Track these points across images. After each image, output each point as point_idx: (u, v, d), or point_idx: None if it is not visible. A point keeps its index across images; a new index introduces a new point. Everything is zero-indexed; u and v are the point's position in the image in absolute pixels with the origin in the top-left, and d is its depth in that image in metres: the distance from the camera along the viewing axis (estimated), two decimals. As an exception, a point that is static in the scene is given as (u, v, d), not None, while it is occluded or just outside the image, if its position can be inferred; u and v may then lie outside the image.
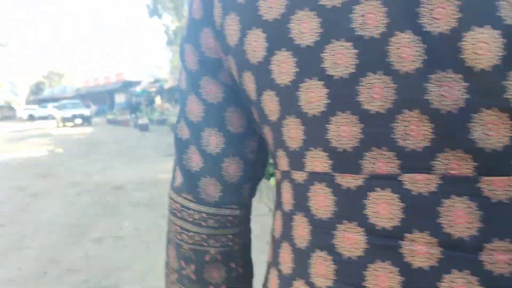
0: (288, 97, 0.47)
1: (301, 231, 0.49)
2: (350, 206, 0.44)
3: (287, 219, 0.51)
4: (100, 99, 44.54)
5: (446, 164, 0.40)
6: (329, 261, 0.46)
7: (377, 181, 0.43)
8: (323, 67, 0.43)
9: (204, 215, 0.58)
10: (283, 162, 0.51)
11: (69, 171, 9.76)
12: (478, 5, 0.37)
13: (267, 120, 0.51)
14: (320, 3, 0.43)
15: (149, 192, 7.08)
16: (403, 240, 0.42)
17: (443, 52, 0.39)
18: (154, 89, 30.38)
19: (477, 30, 0.37)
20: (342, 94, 0.43)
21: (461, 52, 0.38)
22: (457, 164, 0.40)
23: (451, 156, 0.40)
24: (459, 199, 0.40)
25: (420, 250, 0.41)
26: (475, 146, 0.39)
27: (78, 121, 28.74)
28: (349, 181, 0.44)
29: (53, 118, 32.33)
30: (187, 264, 0.60)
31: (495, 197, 0.40)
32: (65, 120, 28.88)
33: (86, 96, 44.69)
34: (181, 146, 0.60)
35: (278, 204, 0.55)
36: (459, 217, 0.40)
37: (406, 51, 0.40)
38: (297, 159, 0.48)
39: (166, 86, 26.70)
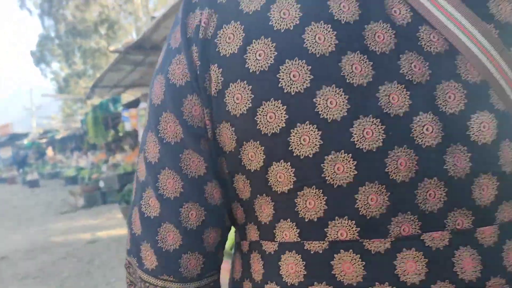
0: (313, 167, 0.49)
1: None
2: (380, 269, 0.49)
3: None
4: (-18, 155, 40.38)
5: (454, 221, 0.49)
6: None
7: (403, 242, 0.49)
8: (353, 140, 0.48)
9: None
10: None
11: None
12: (478, 93, 0.50)
13: (272, 191, 0.52)
14: (348, 81, 0.48)
15: (40, 260, 6.17)
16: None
17: (454, 129, 0.49)
18: (44, 140, 28.20)
19: (479, 113, 0.49)
20: (370, 166, 0.48)
21: (468, 129, 0.49)
22: (461, 220, 0.49)
23: (458, 214, 0.49)
24: (464, 248, 0.49)
25: None
26: (474, 204, 0.50)
27: (-45, 182, 25.46)
28: (377, 245, 0.49)
29: None
30: None
31: (486, 243, 0.50)
32: None
33: (-35, 153, 40.10)
34: (150, 225, 0.57)
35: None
36: (467, 264, 0.49)
37: (428, 128, 0.48)
38: (316, 228, 0.50)
39: (58, 136, 24.91)
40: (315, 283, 0.50)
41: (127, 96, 14.26)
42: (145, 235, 0.58)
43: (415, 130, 0.48)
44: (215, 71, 0.52)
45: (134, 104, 10.32)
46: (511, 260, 0.51)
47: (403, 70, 0.49)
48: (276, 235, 0.53)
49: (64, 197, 13.02)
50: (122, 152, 15.47)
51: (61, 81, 32.41)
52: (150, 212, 0.57)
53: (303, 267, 0.51)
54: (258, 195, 0.53)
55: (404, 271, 0.48)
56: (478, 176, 0.49)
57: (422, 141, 0.48)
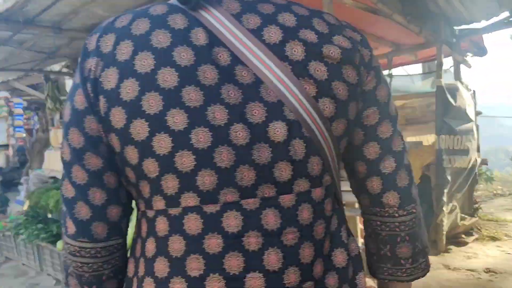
0: (167, 162, 0.71)
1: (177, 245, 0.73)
2: (213, 224, 0.72)
3: (162, 241, 0.74)
4: None
5: (263, 191, 0.73)
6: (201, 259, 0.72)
7: (228, 206, 0.72)
8: (191, 142, 0.71)
9: (98, 249, 0.79)
10: (160, 204, 0.74)
11: None
12: (275, 109, 0.74)
13: (147, 177, 0.74)
14: (186, 104, 0.71)
15: None
16: (243, 237, 0.72)
17: (258, 133, 0.73)
18: None
19: (274, 122, 0.73)
20: (204, 158, 0.71)
21: (268, 132, 0.72)
22: (267, 190, 0.73)
23: (265, 187, 0.73)
24: (269, 209, 0.73)
25: (253, 241, 0.72)
26: (275, 180, 0.74)
27: None
28: (211, 208, 0.72)
29: None
30: (90, 286, 0.82)
31: (286, 205, 0.74)
32: None
33: None
34: (69, 203, 0.79)
35: (152, 233, 0.76)
36: (271, 219, 0.72)
37: (239, 133, 0.72)
38: (173, 200, 0.73)
39: None
40: (173, 234, 0.73)
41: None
42: (67, 210, 0.79)
43: (232, 134, 0.71)
44: (101, 100, 0.74)
45: (-11, 92, 8.85)
46: (304, 216, 0.74)
47: (223, 96, 0.71)
48: (153, 206, 0.76)
49: None
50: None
51: None
52: (68, 195, 0.79)
53: (168, 225, 0.74)
54: (139, 180, 0.76)
55: (227, 225, 0.71)
56: (277, 162, 0.72)
57: (236, 141, 0.71)
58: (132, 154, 0.73)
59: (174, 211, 0.73)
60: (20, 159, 10.34)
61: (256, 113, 0.71)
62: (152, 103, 0.70)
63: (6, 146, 9.72)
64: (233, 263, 0.70)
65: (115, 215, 0.80)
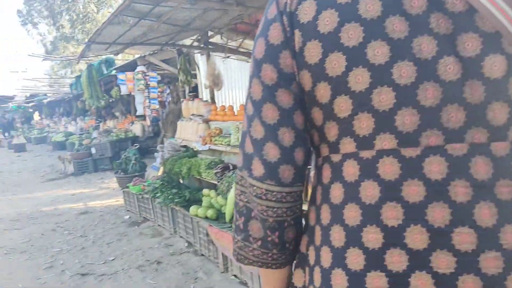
0: (362, 99, 0.69)
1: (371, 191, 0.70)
2: (412, 169, 0.68)
3: (352, 186, 0.72)
4: (-35, 117, 39.05)
5: (472, 136, 0.67)
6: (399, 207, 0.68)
7: (430, 150, 0.67)
8: (392, 78, 0.67)
9: (284, 193, 0.78)
10: (349, 146, 0.72)
11: None
12: (491, 40, 0.66)
13: (336, 117, 0.72)
14: (389, 36, 0.67)
15: (27, 231, 5.62)
16: (449, 186, 0.66)
17: (471, 68, 0.66)
18: (31, 104, 27.22)
19: (491, 55, 0.66)
20: (406, 95, 0.67)
21: (483, 68, 0.66)
22: (478, 135, 0.67)
23: (475, 131, 0.67)
24: (479, 157, 0.66)
25: (461, 191, 0.66)
26: (489, 123, 0.67)
27: None
28: (410, 152, 0.68)
29: None
30: (273, 233, 0.81)
31: (499, 154, 0.67)
32: None
33: None
34: (257, 144, 0.78)
35: (338, 178, 0.75)
36: (481, 168, 0.66)
37: (449, 67, 0.66)
38: (366, 142, 0.70)
39: (45, 100, 23.98)
40: (365, 180, 0.70)
41: (124, 56, 13.49)
42: (255, 152, 0.78)
43: (440, 69, 0.66)
44: (297, 35, 0.72)
45: (130, 66, 9.65)
46: None
47: (431, 26, 0.67)
48: (340, 149, 0.74)
49: (52, 163, 12.39)
50: (114, 118, 14.82)
51: (49, 45, 31.16)
52: (257, 135, 0.78)
53: (358, 169, 0.71)
54: (326, 121, 0.74)
55: (430, 170, 0.66)
56: (491, 103, 0.67)
57: (445, 77, 0.66)
58: (324, 91, 0.71)
59: (366, 154, 0.70)
60: (154, 129, 11.25)
61: (470, 45, 0.66)
62: (352, 34, 0.67)
63: (143, 117, 10.61)
64: (437, 214, 0.65)
65: (301, 159, 0.78)
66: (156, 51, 7.82)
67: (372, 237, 0.68)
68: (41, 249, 4.84)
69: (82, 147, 10.92)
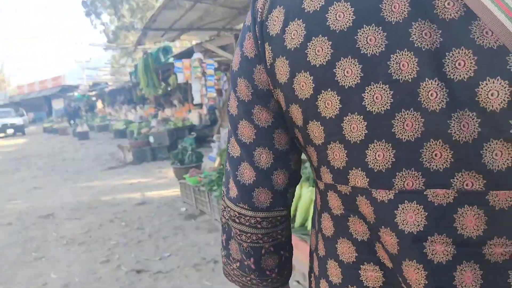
0: (333, 127, 0.59)
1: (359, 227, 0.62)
2: (387, 215, 0.57)
3: (339, 220, 0.64)
4: (37, 106, 41.26)
5: (462, 182, 0.53)
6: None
7: (406, 195, 0.56)
8: (364, 104, 0.55)
9: (258, 219, 0.71)
10: (327, 177, 0.64)
11: (-13, 195, 8.03)
12: (491, 59, 0.49)
13: (313, 143, 0.63)
14: (362, 52, 0.55)
15: (86, 221, 5.62)
16: (426, 242, 0.54)
17: (461, 95, 0.51)
18: (94, 93, 28.25)
19: (489, 80, 0.49)
20: (378, 126, 0.56)
21: (477, 95, 0.50)
22: (470, 181, 0.53)
23: (466, 176, 0.53)
24: (470, 208, 0.53)
25: (439, 249, 0.54)
26: (486, 168, 0.52)
27: (10, 131, 26.07)
28: (382, 195, 0.57)
29: (-18, 129, 29.36)
30: (247, 258, 0.75)
31: (498, 206, 0.52)
32: (-6, 130, 26.15)
33: (21, 104, 41.22)
34: (233, 163, 0.72)
35: (326, 208, 0.67)
36: (470, 221, 0.53)
37: (432, 94, 0.52)
38: (341, 176, 0.61)
39: (107, 89, 24.74)
40: (351, 215, 0.62)
41: (182, 43, 13.46)
42: (231, 170, 0.72)
43: (422, 95, 0.52)
44: (267, 49, 0.63)
45: (187, 54, 9.53)
46: None
47: (413, 38, 0.52)
48: (322, 177, 0.65)
49: (113, 151, 12.65)
50: (171, 106, 14.92)
51: (110, 34, 32.12)
52: (234, 153, 0.72)
53: (341, 203, 0.63)
54: (306, 145, 0.65)
55: (403, 220, 0.55)
56: (488, 141, 0.51)
57: (427, 105, 0.52)
58: (296, 114, 0.63)
59: (343, 189, 0.62)
60: (210, 117, 11.14)
61: (462, 64, 0.50)
62: (319, 51, 0.58)
63: (200, 105, 10.52)
64: (412, 276, 0.56)
65: (281, 182, 0.71)
66: (213, 38, 7.60)
67: (371, 275, 0.62)
68: (98, 240, 4.78)
69: (140, 136, 11.01)
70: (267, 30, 0.63)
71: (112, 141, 16.13)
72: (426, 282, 0.54)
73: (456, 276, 0.54)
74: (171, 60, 10.89)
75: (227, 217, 0.76)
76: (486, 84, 0.49)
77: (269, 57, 0.63)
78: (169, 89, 13.30)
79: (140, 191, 7.12)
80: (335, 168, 0.61)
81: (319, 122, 0.60)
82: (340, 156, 0.60)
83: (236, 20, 5.74)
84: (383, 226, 0.57)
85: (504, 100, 0.49)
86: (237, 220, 0.72)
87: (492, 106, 0.49)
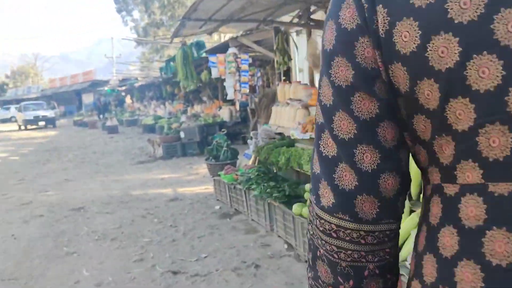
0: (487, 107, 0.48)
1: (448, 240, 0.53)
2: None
3: (471, 234, 0.51)
4: (67, 99, 42.02)
5: None
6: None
7: None
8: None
9: (362, 232, 0.58)
10: (473, 174, 0.51)
11: (19, 186, 8.01)
12: None
13: (452, 130, 0.51)
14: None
15: (118, 216, 5.46)
16: None
17: None
18: (124, 88, 28.47)
19: None
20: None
21: None
22: None
23: None
24: None
25: None
26: None
27: (42, 123, 26.52)
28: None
29: (15, 120, 29.96)
30: (346, 280, 0.60)
31: None
32: (27, 122, 26.61)
33: (53, 97, 42.06)
34: (328, 164, 0.59)
35: (452, 219, 0.54)
36: None
37: None
38: (496, 169, 0.49)
39: (137, 84, 24.87)
40: (494, 227, 0.48)
41: (213, 38, 13.30)
42: (323, 173, 0.60)
43: None
44: (381, 12, 0.52)
45: (220, 49, 9.33)
46: None
47: None
48: (457, 177, 0.52)
49: (142, 145, 12.58)
50: (201, 103, 14.80)
51: (141, 31, 32.37)
52: (328, 152, 0.59)
53: (484, 211, 0.49)
54: (437, 135, 0.53)
55: None
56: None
57: None
58: (429, 92, 0.50)
59: (496, 188, 0.49)
60: (241, 114, 10.93)
61: None
62: (466, 4, 0.46)
63: (231, 102, 10.32)
64: None
65: (391, 188, 0.58)
66: (249, 32, 7.36)
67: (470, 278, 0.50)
68: (131, 237, 4.60)
69: (171, 131, 10.88)
70: None
71: (141, 136, 16.11)
72: None
73: None
74: (203, 55, 10.70)
75: (315, 231, 0.63)
76: None
77: (384, 23, 0.52)
78: (199, 85, 13.17)
79: (171, 186, 6.94)
80: (490, 159, 0.50)
81: (468, 98, 0.48)
82: (500, 143, 0.48)
83: (280, 10, 5.48)
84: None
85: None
86: (334, 235, 0.60)
87: None
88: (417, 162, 0.61)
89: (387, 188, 0.57)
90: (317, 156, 0.61)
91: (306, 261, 0.69)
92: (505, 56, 0.45)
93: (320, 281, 0.63)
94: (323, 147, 0.60)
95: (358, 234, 0.58)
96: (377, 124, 0.56)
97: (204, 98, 14.85)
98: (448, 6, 0.47)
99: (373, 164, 0.57)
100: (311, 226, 0.64)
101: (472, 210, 0.51)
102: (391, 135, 0.57)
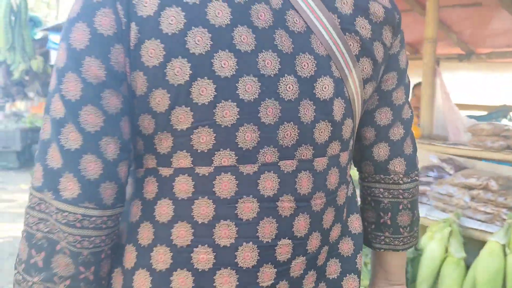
0: (204, 112, 0.65)
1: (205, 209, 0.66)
2: (248, 186, 0.66)
3: (184, 203, 0.67)
4: None
5: (301, 153, 0.68)
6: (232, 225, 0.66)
7: (266, 166, 0.66)
8: (237, 93, 0.64)
9: (105, 218, 0.66)
10: (184, 161, 0.66)
11: None
12: (323, 63, 0.70)
13: (172, 129, 0.65)
14: (236, 48, 0.64)
15: None
16: (278, 201, 0.67)
17: (306, 88, 0.68)
18: None
19: (323, 77, 0.68)
20: (249, 112, 0.65)
21: (314, 89, 0.68)
22: (305, 152, 0.68)
23: (303, 148, 0.68)
24: (304, 172, 0.68)
25: (286, 206, 0.67)
26: (315, 141, 0.69)
27: None
28: (248, 169, 0.65)
29: None
30: (87, 268, 0.67)
31: (319, 169, 0.69)
32: None
33: None
34: (71, 156, 0.64)
35: (167, 194, 0.68)
36: (304, 183, 0.68)
37: (289, 86, 0.66)
38: (205, 157, 0.65)
39: None
40: (200, 197, 0.65)
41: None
42: (66, 166, 0.64)
43: (281, 87, 0.65)
44: (133, 29, 0.63)
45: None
46: (332, 181, 0.71)
47: (276, 42, 0.65)
48: (172, 163, 0.67)
49: None
50: (26, 99, 11.74)
51: None
52: (71, 145, 0.64)
53: (192, 186, 0.66)
54: (159, 132, 0.66)
55: (264, 187, 0.66)
56: (318, 122, 0.68)
57: (284, 95, 0.65)
58: (160, 99, 0.64)
59: (203, 170, 0.65)
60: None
61: (306, 66, 0.67)
62: (199, 41, 0.62)
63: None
64: (266, 230, 0.66)
65: (124, 175, 0.69)
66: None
67: (203, 257, 0.65)
68: None
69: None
70: (134, 10, 0.62)
71: None
72: (277, 232, 0.66)
73: (294, 224, 0.68)
74: (40, 36, 8.06)
75: (47, 229, 0.66)
76: (322, 80, 0.68)
77: (135, 38, 0.63)
78: (25, 77, 10.33)
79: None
80: (198, 151, 0.64)
81: (189, 108, 0.63)
82: (207, 140, 0.64)
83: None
84: (245, 196, 0.65)
85: (330, 93, 0.69)
86: (78, 225, 0.64)
87: (323, 96, 0.68)
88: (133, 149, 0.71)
89: (122, 175, 0.67)
90: (56, 150, 0.64)
91: (21, 270, 0.67)
92: (218, 83, 0.62)
93: (55, 278, 0.66)
94: (66, 141, 0.64)
95: (101, 220, 0.65)
96: (120, 119, 0.66)
97: (31, 94, 11.80)
98: (187, 39, 0.62)
99: (115, 154, 0.65)
100: (43, 224, 0.66)
101: (184, 186, 0.66)
102: (128, 129, 0.67)
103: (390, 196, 0.85)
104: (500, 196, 1.96)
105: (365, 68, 0.72)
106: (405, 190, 0.85)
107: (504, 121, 4.37)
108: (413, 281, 2.02)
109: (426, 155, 2.57)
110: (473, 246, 1.98)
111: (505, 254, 1.77)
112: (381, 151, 0.84)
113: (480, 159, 2.37)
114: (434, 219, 2.13)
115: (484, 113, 4.49)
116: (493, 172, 2.17)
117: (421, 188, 2.37)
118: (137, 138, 0.69)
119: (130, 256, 0.69)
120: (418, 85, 3.70)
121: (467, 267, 1.91)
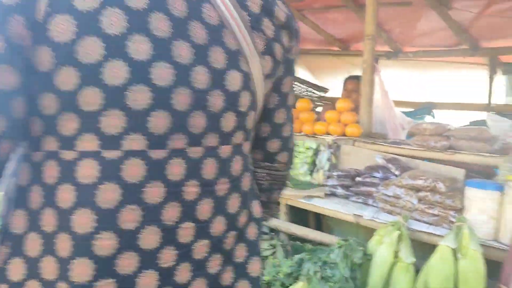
0: (115, 95, 0.63)
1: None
2: (157, 171, 0.66)
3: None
4: None
5: (208, 140, 0.70)
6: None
7: (174, 152, 0.67)
8: (150, 77, 0.65)
9: None
10: (90, 144, 0.64)
11: None
12: (234, 57, 0.73)
13: (80, 110, 0.63)
14: (153, 33, 0.64)
15: None
16: (184, 186, 0.68)
17: (216, 80, 0.71)
18: None
19: (232, 71, 0.72)
20: (161, 97, 0.65)
21: (225, 80, 0.72)
22: (212, 140, 0.71)
23: (210, 136, 0.70)
24: (210, 159, 0.71)
25: (191, 191, 0.69)
26: (221, 130, 0.73)
27: None
28: (158, 154, 0.66)
29: None
30: None
31: (223, 156, 0.73)
32: None
33: None
34: None
35: (68, 179, 0.65)
36: (209, 168, 0.71)
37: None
38: (113, 141, 0.64)
39: None
40: (105, 182, 0.64)
41: None
42: None
43: (193, 76, 0.67)
44: (42, 1, 0.60)
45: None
46: (236, 168, 0.75)
47: (190, 33, 0.67)
48: (76, 145, 0.64)
49: None
50: None
51: None
52: None
53: (98, 171, 0.64)
54: (64, 112, 0.63)
55: (171, 172, 0.67)
56: (226, 112, 0.71)
57: (196, 84, 0.67)
58: (67, 78, 0.62)
59: (110, 154, 0.64)
60: None
61: (218, 58, 0.70)
62: (114, 21, 0.62)
63: None
64: (170, 213, 0.68)
65: (7, 152, 0.66)
66: None
67: (106, 243, 0.64)
68: None
69: None
70: None
71: None
72: (180, 215, 0.68)
73: (197, 208, 0.70)
74: None
75: None
76: (231, 73, 0.71)
77: (43, 10, 0.60)
78: None
79: None
80: (106, 134, 0.63)
81: (99, 89, 0.61)
82: (117, 123, 0.63)
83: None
84: (152, 180, 0.65)
85: (238, 85, 0.72)
86: None
87: (232, 88, 0.71)
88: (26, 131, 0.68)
89: (3, 152, 0.64)
90: None
91: None
92: (131, 64, 0.62)
93: None
94: None
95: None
96: (15, 97, 0.62)
97: None
98: (102, 18, 0.60)
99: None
100: None
101: (88, 170, 0.63)
102: (22, 109, 0.63)
103: (270, 179, 0.94)
104: (448, 198, 1.94)
105: (267, 64, 0.77)
106: (282, 176, 0.96)
107: (428, 118, 4.54)
108: (364, 287, 1.96)
109: (368, 154, 2.52)
110: (422, 248, 1.95)
111: (456, 259, 1.74)
112: (274, 145, 0.91)
113: (423, 159, 2.35)
114: (382, 221, 2.07)
115: (411, 109, 4.62)
116: (437, 173, 2.16)
117: (367, 189, 2.31)
118: (34, 118, 0.65)
119: (34, 244, 0.67)
120: (349, 79, 3.66)
121: (417, 271, 1.88)
